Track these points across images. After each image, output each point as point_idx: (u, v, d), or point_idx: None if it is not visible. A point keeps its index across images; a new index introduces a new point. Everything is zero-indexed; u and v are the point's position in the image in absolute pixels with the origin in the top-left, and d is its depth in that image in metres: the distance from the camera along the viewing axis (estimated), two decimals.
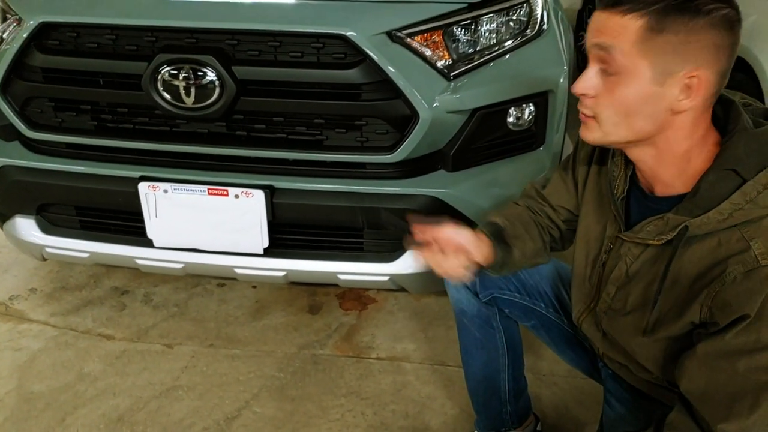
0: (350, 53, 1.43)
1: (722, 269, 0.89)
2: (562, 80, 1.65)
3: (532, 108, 1.62)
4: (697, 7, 0.84)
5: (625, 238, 1.04)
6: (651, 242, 0.98)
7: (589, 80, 0.93)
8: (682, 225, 0.92)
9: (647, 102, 0.89)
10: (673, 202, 0.96)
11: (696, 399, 0.94)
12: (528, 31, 1.62)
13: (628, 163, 1.05)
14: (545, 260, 1.31)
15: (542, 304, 1.35)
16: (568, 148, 1.86)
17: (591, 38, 0.91)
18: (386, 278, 1.66)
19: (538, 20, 1.64)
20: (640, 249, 1.02)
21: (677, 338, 0.99)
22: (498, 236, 1.18)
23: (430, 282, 1.67)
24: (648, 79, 0.88)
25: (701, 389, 0.93)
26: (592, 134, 0.97)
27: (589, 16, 4.52)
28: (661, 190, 0.99)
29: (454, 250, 1.10)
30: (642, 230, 1.00)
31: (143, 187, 1.55)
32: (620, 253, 1.06)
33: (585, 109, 0.95)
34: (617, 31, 0.87)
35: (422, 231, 1.10)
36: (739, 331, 0.88)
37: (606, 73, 0.91)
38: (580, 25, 4.79)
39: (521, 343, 1.44)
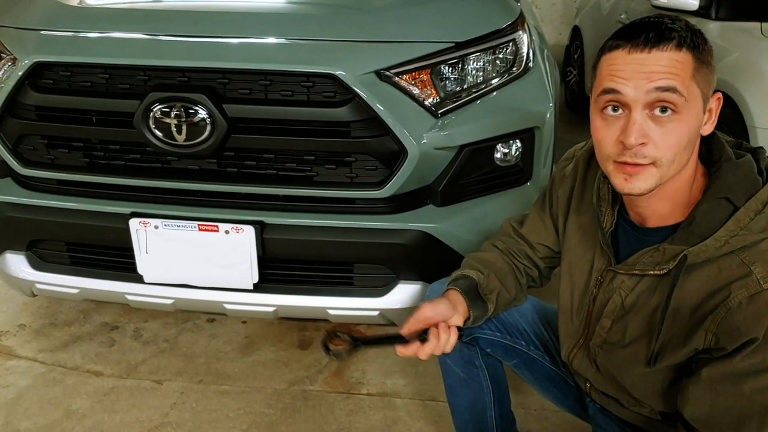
0: (339, 92, 1.45)
1: (725, 295, 0.91)
2: (548, 116, 1.68)
3: (518, 144, 1.65)
4: (703, 38, 0.90)
5: (619, 270, 1.04)
6: (651, 272, 0.99)
7: (643, 127, 0.89)
8: (682, 254, 0.93)
9: (696, 132, 0.92)
10: (665, 232, 0.98)
11: (702, 425, 0.94)
12: (514, 68, 1.65)
13: (616, 197, 1.06)
14: (522, 302, 1.32)
15: (523, 342, 1.35)
16: None
17: (642, 83, 0.87)
18: (376, 313, 1.65)
19: (524, 58, 1.67)
20: (635, 280, 1.03)
21: (678, 367, 1.00)
22: (472, 293, 1.19)
23: None
24: (700, 108, 0.91)
25: (706, 414, 0.93)
26: (648, 182, 0.91)
27: (576, 52, 4.63)
28: (654, 222, 1.00)
29: (444, 330, 1.10)
30: (638, 262, 1.01)
31: (134, 223, 1.56)
32: (613, 286, 1.06)
33: (642, 158, 0.90)
34: (676, 67, 0.87)
35: (412, 329, 1.10)
36: (746, 354, 0.89)
37: (656, 116, 0.89)
38: (567, 60, 4.89)
39: (506, 379, 1.43)
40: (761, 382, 0.89)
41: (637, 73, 0.87)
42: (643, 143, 0.89)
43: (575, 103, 4.61)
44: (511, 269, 1.27)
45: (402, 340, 1.08)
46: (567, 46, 4.97)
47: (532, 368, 1.38)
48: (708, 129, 0.94)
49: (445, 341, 1.09)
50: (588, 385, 1.23)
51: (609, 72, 0.91)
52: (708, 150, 0.98)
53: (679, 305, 0.96)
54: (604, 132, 0.94)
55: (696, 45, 0.89)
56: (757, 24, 2.58)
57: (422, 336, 1.09)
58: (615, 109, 0.92)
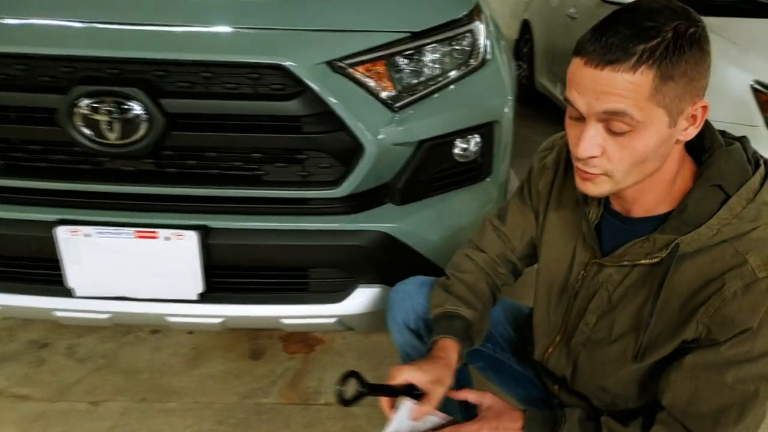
0: (289, 84, 1.36)
1: (719, 285, 0.89)
2: (506, 110, 1.64)
3: (478, 139, 1.60)
4: (690, 38, 0.82)
5: (606, 263, 1.01)
6: (641, 262, 0.96)
7: (594, 140, 0.87)
8: (674, 243, 0.91)
9: (662, 144, 0.87)
10: (654, 222, 0.95)
11: (680, 412, 0.93)
12: (472, 61, 1.60)
13: None
14: None
15: (489, 344, 1.32)
16: (511, 179, 1.85)
17: (593, 102, 0.84)
18: (334, 320, 1.57)
19: (482, 50, 1.63)
20: (623, 273, 1.00)
21: (664, 360, 0.98)
22: (465, 337, 1.14)
23: (381, 321, 1.60)
24: (665, 124, 0.85)
25: (685, 402, 0.92)
26: (600, 188, 0.92)
27: (526, 46, 4.67)
28: (640, 212, 0.98)
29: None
30: (627, 253, 0.98)
31: (62, 232, 1.41)
32: (598, 280, 1.03)
33: (593, 168, 0.89)
34: (629, 90, 0.82)
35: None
36: (733, 343, 0.88)
37: (614, 131, 0.86)
38: (517, 55, 4.93)
39: (471, 382, 1.38)
40: (745, 371, 0.89)
41: (589, 90, 0.84)
42: (593, 156, 0.88)
43: (525, 97, 4.64)
44: (491, 291, 1.24)
45: (417, 394, 1.03)
46: (516, 39, 5.01)
47: (497, 370, 1.36)
48: (691, 133, 0.90)
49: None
50: (557, 387, 1.20)
51: (570, 79, 0.88)
52: (699, 137, 0.95)
53: (669, 297, 0.94)
54: (570, 133, 0.93)
55: (665, 57, 0.80)
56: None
57: (414, 391, 1.04)
58: (577, 116, 0.89)
